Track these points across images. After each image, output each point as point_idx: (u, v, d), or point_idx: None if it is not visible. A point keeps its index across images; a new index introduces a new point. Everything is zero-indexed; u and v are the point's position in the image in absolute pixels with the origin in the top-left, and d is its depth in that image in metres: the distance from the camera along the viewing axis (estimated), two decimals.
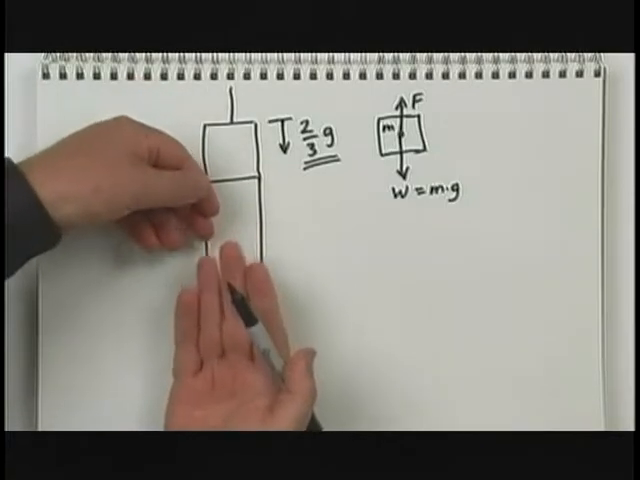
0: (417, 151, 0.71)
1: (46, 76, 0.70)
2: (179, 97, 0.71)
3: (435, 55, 0.71)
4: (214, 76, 0.71)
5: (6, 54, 0.70)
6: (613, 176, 0.72)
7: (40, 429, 0.70)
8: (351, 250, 0.71)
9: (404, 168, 0.71)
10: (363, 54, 0.71)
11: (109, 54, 0.70)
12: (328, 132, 0.71)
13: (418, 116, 0.71)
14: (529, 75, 0.71)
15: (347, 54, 0.71)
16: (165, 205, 0.66)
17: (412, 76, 0.71)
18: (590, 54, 0.71)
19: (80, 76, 0.70)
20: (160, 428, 0.69)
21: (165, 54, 0.70)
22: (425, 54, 0.71)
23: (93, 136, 0.64)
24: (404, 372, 0.71)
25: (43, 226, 0.60)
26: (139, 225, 0.68)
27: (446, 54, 0.71)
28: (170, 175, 0.65)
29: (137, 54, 0.70)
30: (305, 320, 0.71)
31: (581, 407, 0.72)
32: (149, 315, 0.71)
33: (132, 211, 0.63)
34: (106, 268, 0.71)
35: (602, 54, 0.71)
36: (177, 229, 0.68)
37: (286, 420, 0.64)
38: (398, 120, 0.71)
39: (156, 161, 0.65)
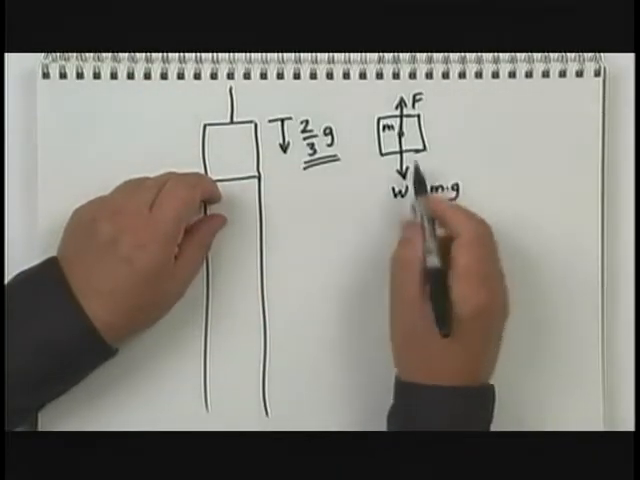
0: (417, 151, 0.71)
1: (46, 76, 0.70)
2: (179, 97, 0.71)
3: (435, 55, 0.71)
4: (214, 76, 0.71)
5: (6, 54, 0.70)
6: (613, 176, 0.72)
7: (40, 429, 0.70)
8: (351, 250, 0.71)
9: (404, 168, 0.71)
10: (363, 54, 0.71)
11: (109, 54, 0.70)
12: (328, 132, 0.71)
13: (418, 116, 0.71)
14: (529, 75, 0.71)
15: (347, 54, 0.71)
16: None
17: (412, 76, 0.71)
18: (590, 54, 0.71)
19: (80, 76, 0.70)
20: (159, 428, 0.69)
21: (165, 54, 0.70)
22: (425, 54, 0.71)
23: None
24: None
25: (99, 349, 0.65)
26: None
27: (446, 54, 0.71)
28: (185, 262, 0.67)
29: (137, 54, 0.70)
30: (305, 317, 0.71)
31: (581, 407, 0.72)
32: None
33: None
34: None
35: (602, 54, 0.71)
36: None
37: (463, 266, 0.64)
38: (398, 120, 0.71)
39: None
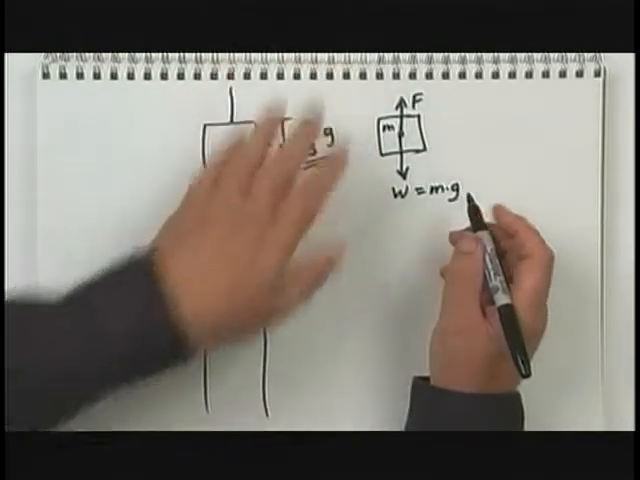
0: (417, 151, 0.71)
1: (46, 76, 0.70)
2: (179, 97, 0.71)
3: (435, 55, 0.71)
4: (214, 76, 0.71)
5: (6, 54, 0.70)
6: (613, 176, 0.72)
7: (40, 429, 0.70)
8: (351, 250, 0.71)
9: (404, 168, 0.71)
10: (363, 54, 0.71)
11: (109, 54, 0.70)
12: (328, 132, 0.71)
13: (418, 116, 0.71)
14: (529, 75, 0.71)
15: (347, 54, 0.71)
16: None
17: (412, 76, 0.71)
18: (590, 54, 0.71)
19: (80, 76, 0.70)
20: (160, 428, 0.69)
21: (165, 54, 0.70)
22: (425, 54, 0.71)
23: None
24: (410, 371, 0.71)
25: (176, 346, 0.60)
26: None
27: (446, 54, 0.71)
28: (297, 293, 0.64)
29: (137, 54, 0.70)
30: (304, 317, 0.71)
31: (581, 407, 0.72)
32: None
33: None
34: None
35: (602, 54, 0.71)
36: None
37: (528, 288, 0.64)
38: (398, 120, 0.71)
39: None
